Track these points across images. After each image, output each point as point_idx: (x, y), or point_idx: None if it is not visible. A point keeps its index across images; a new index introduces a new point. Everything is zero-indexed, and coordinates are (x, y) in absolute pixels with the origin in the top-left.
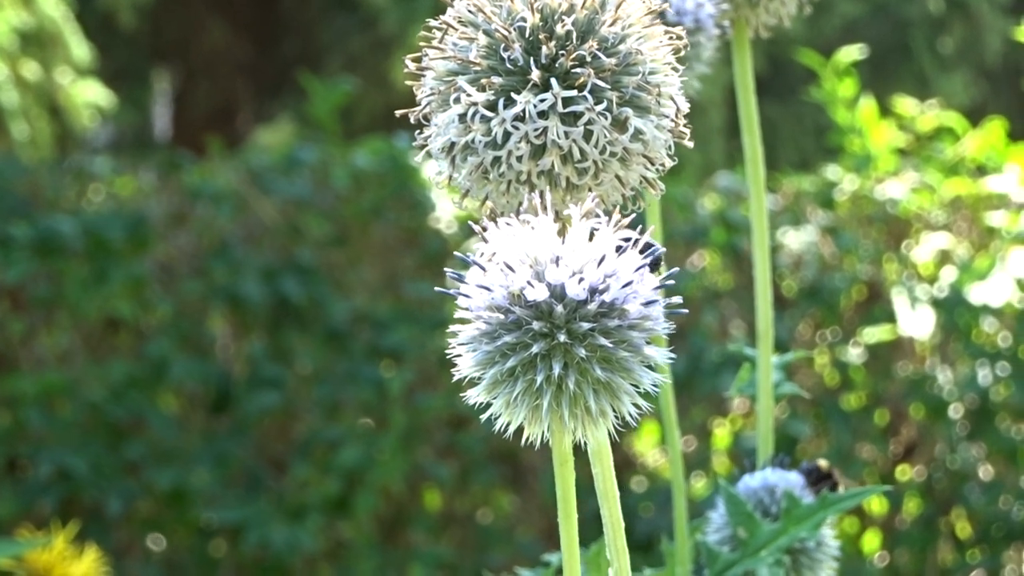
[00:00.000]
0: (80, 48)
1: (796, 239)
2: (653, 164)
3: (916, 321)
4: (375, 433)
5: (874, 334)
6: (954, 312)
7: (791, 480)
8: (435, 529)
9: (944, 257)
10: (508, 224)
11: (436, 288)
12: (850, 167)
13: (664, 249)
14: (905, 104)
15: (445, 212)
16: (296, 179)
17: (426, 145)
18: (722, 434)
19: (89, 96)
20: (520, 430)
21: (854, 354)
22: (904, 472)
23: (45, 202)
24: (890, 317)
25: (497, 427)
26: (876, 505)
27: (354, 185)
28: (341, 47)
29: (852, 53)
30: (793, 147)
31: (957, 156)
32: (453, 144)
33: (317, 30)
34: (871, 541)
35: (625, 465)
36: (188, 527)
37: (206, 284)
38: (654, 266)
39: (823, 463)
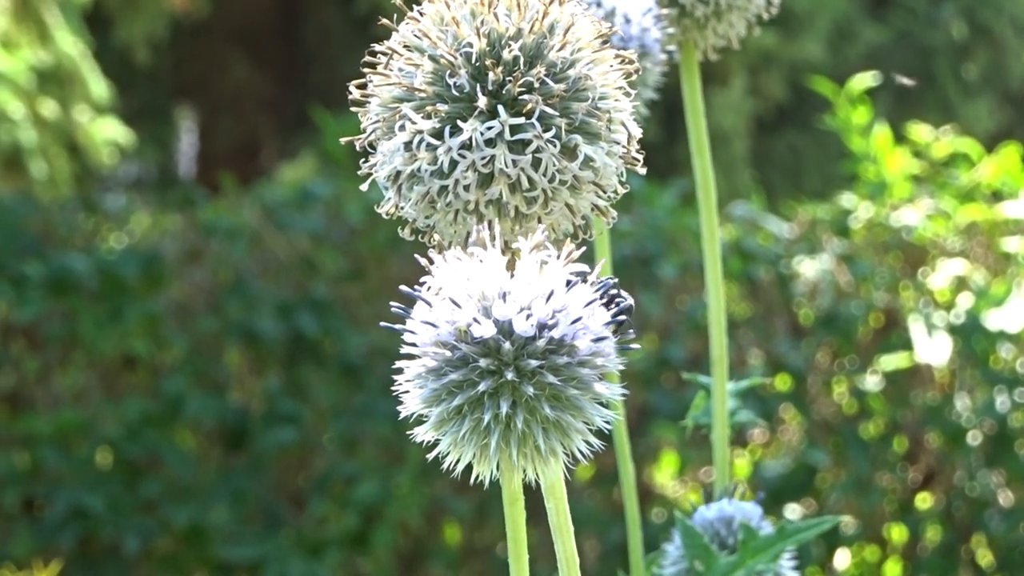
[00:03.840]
0: (98, 86)
1: (812, 267)
2: (604, 192)
3: (933, 348)
4: (392, 467)
5: (891, 362)
6: (971, 338)
7: (748, 511)
8: (454, 563)
9: (960, 284)
10: (456, 257)
11: (381, 324)
12: (865, 195)
13: (614, 280)
14: (920, 131)
15: None
16: (310, 214)
17: (371, 174)
18: (742, 464)
19: (108, 134)
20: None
21: (871, 382)
22: (924, 500)
23: (59, 240)
24: (907, 344)
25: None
26: (896, 533)
27: (369, 219)
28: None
29: (866, 80)
30: (817, 175)
31: (972, 182)
32: (399, 173)
33: (339, 64)
34: (892, 570)
35: (644, 496)
36: (207, 565)
37: (221, 320)
38: (611, 303)
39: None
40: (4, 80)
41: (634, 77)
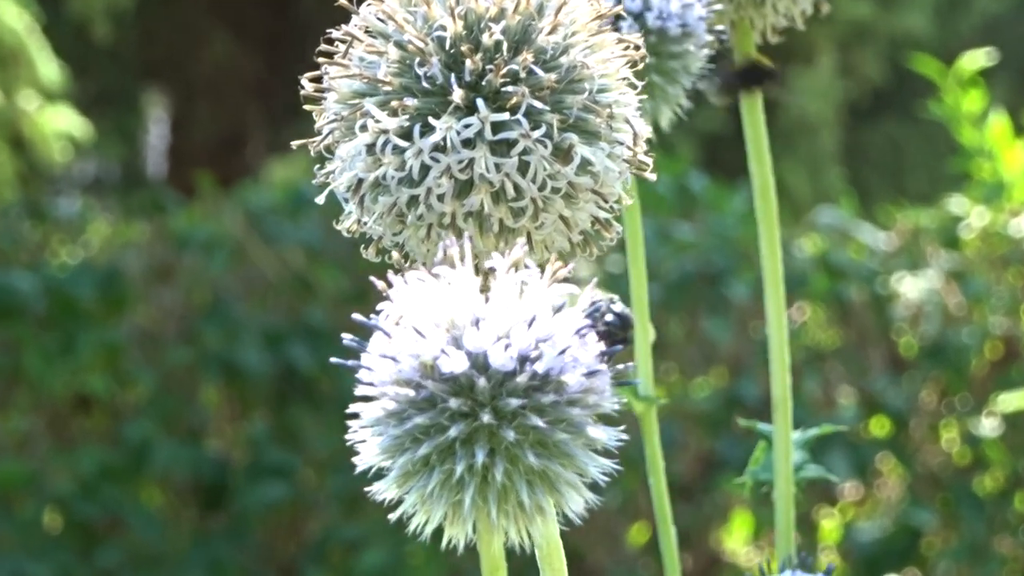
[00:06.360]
0: (49, 67)
1: (914, 287)
2: (606, 201)
3: None
4: (404, 530)
5: (1011, 401)
6: None
7: None
8: None
9: None
10: (419, 279)
11: (332, 360)
12: (979, 198)
13: (621, 308)
14: None
15: None
16: (304, 222)
17: (328, 183)
18: (830, 526)
19: (60, 125)
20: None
21: (988, 426)
22: None
23: None
24: None
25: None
26: None
27: None
28: None
29: (980, 58)
30: (922, 174)
31: None
32: (361, 181)
33: None
34: None
35: (711, 564)
36: None
37: (196, 352)
38: (622, 328)
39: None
40: None
41: (640, 66)
